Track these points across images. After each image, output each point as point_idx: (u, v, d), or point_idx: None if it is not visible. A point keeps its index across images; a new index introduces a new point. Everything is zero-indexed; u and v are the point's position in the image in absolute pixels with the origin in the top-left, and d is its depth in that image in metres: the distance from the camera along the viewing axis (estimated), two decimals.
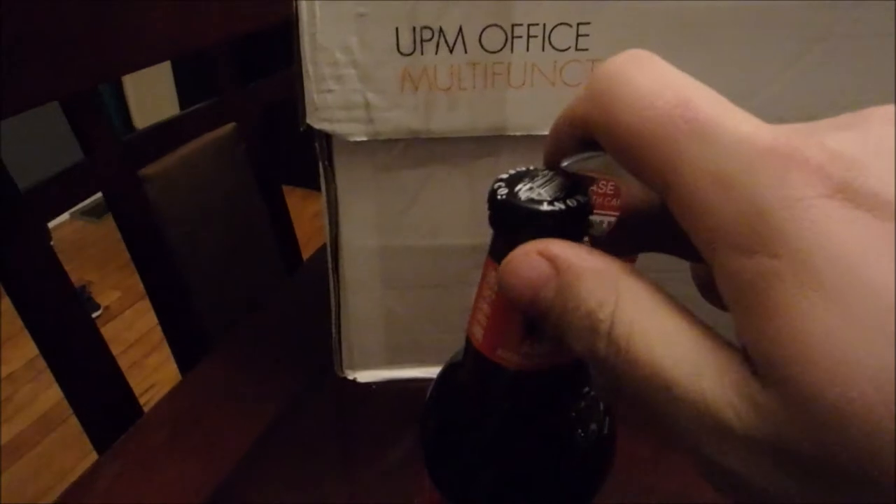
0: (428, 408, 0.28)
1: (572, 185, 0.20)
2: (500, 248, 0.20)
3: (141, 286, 0.71)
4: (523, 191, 0.20)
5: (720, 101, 0.16)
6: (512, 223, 0.20)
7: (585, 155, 0.20)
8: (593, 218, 0.20)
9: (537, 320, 0.19)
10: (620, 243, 0.20)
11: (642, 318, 0.16)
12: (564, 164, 0.20)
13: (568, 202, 0.19)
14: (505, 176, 0.21)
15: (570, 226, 0.20)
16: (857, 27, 0.38)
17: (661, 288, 0.17)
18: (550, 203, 0.19)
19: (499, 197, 0.20)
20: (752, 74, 0.39)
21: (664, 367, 0.15)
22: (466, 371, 0.25)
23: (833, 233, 0.13)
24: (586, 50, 0.38)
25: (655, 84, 0.16)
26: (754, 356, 0.15)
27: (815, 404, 0.13)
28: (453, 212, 0.44)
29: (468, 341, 0.24)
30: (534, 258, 0.18)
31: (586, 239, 0.21)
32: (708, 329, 0.16)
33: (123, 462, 0.47)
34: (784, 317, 0.14)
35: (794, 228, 0.14)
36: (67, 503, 0.44)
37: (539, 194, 0.20)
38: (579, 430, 0.25)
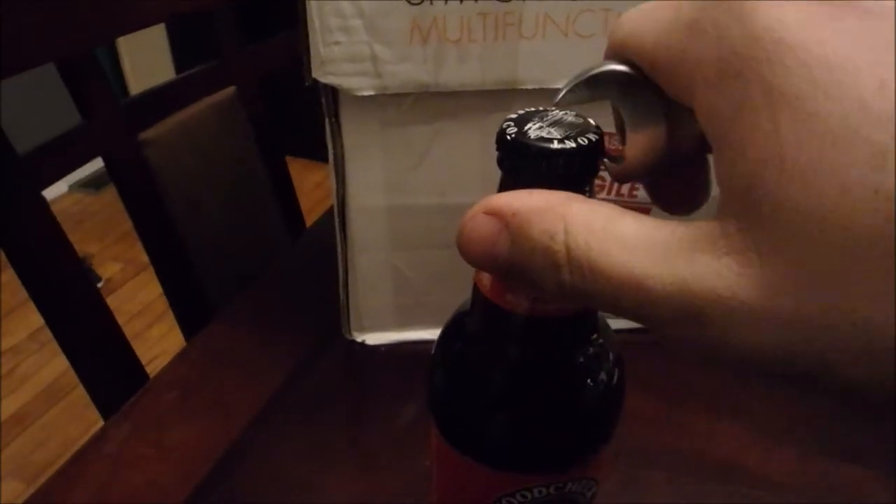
0: (435, 358, 0.27)
1: (583, 125, 0.20)
2: (510, 190, 0.20)
3: (142, 258, 0.71)
4: (533, 130, 0.19)
5: None
6: (522, 163, 0.20)
7: (574, 82, 0.19)
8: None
9: (505, 278, 0.18)
10: (636, 167, 0.20)
11: (596, 235, 0.16)
12: (557, 99, 0.20)
13: (579, 140, 0.19)
14: (514, 116, 0.20)
15: (581, 164, 0.19)
16: None
17: (609, 204, 0.17)
18: (561, 141, 0.19)
19: (508, 137, 0.19)
20: None
21: (633, 271, 0.15)
22: (475, 318, 0.25)
23: (789, 40, 0.13)
24: (600, 0, 0.37)
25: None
26: (732, 192, 0.14)
27: (789, 216, 0.13)
28: (463, 169, 0.44)
29: (476, 289, 0.24)
30: (480, 218, 0.18)
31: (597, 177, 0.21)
32: (665, 221, 0.16)
33: (133, 424, 0.47)
34: (757, 137, 0.14)
35: (752, 45, 0.14)
36: (76, 466, 0.45)
37: (549, 133, 0.19)
38: (587, 377, 0.25)
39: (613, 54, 0.19)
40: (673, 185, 0.21)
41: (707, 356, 0.15)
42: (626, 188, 0.45)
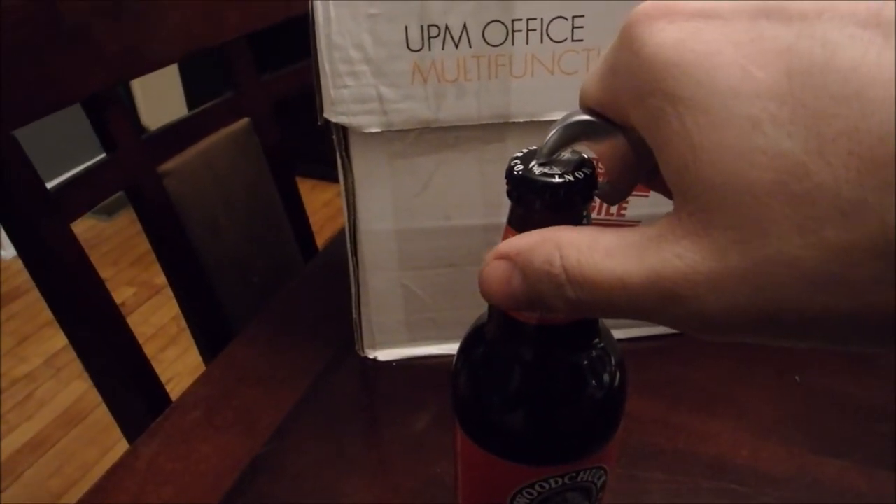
0: (457, 365, 0.30)
1: (579, 160, 0.23)
2: (519, 217, 0.24)
3: (155, 281, 0.74)
4: (537, 166, 0.23)
5: None
6: (529, 195, 0.23)
7: (552, 134, 0.22)
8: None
9: (523, 309, 0.21)
10: (618, 189, 0.24)
11: (584, 253, 0.19)
12: (541, 153, 0.23)
13: (576, 174, 0.22)
14: (520, 154, 0.23)
15: (578, 194, 0.23)
16: None
17: (594, 227, 0.20)
18: (561, 176, 0.22)
19: (515, 172, 0.23)
20: None
21: (615, 273, 0.18)
22: (491, 329, 0.28)
23: (673, 58, 0.17)
24: (581, 41, 0.41)
25: None
26: (674, 186, 0.17)
27: (711, 192, 0.16)
28: (465, 194, 0.47)
29: (491, 304, 0.27)
30: (493, 263, 0.21)
31: (593, 204, 0.24)
32: (639, 227, 0.19)
33: (161, 441, 0.49)
34: (673, 137, 0.17)
35: (650, 70, 0.17)
36: (109, 481, 0.47)
37: (551, 168, 0.23)
38: (593, 375, 0.28)
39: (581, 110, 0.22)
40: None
41: (696, 330, 0.18)
42: (614, 208, 0.48)
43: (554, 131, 0.22)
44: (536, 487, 0.29)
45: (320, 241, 0.96)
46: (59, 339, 1.79)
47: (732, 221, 0.16)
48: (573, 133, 0.22)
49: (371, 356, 0.56)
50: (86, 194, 0.64)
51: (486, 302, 0.22)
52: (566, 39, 0.41)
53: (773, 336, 0.17)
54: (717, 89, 0.16)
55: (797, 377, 0.52)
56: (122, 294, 1.99)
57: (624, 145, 0.22)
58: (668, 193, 0.24)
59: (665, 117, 0.17)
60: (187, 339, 0.79)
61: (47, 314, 0.64)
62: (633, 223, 0.49)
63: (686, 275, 0.17)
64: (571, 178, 0.22)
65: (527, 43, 0.41)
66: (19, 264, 0.61)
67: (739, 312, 0.16)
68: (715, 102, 0.16)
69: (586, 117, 0.22)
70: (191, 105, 2.47)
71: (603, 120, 0.21)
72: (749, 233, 0.16)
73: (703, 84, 0.16)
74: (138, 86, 2.37)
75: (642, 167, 0.22)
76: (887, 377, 0.51)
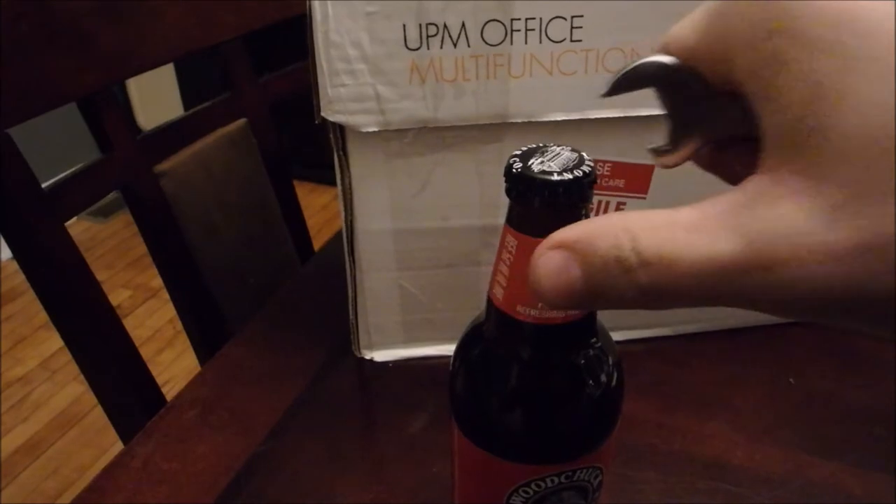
0: (455, 364, 0.31)
1: (577, 159, 0.23)
2: (517, 215, 0.24)
3: (150, 284, 0.73)
4: (535, 164, 0.23)
5: None
6: (527, 192, 0.23)
7: (621, 72, 0.20)
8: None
9: (582, 303, 0.19)
10: (677, 149, 0.22)
11: (660, 231, 0.17)
12: (606, 89, 0.21)
13: (575, 172, 0.22)
14: (518, 152, 0.24)
15: (577, 193, 0.23)
16: None
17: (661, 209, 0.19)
18: (560, 174, 0.22)
19: (514, 170, 0.23)
20: None
21: (701, 249, 0.16)
22: (489, 328, 0.29)
23: None
24: (580, 41, 0.41)
25: None
26: (779, 140, 0.16)
27: (842, 143, 0.14)
28: (462, 195, 0.47)
29: (489, 302, 0.27)
30: (547, 254, 0.19)
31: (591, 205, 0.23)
32: (716, 198, 0.17)
33: (157, 440, 0.49)
34: (798, 82, 0.15)
35: (774, 7, 0.16)
36: (106, 480, 0.47)
37: (549, 166, 0.23)
38: (590, 375, 0.28)
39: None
40: (730, 161, 0.22)
41: (783, 305, 0.16)
42: (613, 207, 0.48)
43: (627, 66, 0.20)
44: (533, 486, 0.29)
45: (317, 244, 0.96)
46: (55, 342, 1.79)
47: (854, 176, 0.14)
48: (647, 73, 0.20)
49: (367, 357, 0.56)
50: (81, 194, 0.64)
51: (539, 300, 0.20)
52: (565, 39, 0.41)
53: (858, 315, 0.15)
54: (859, 31, 0.14)
55: (791, 379, 0.52)
56: (118, 296, 1.99)
57: (700, 99, 0.20)
58: (720, 171, 0.22)
59: (788, 60, 0.15)
60: (184, 342, 0.79)
61: (43, 316, 0.64)
62: None
63: (788, 237, 0.15)
64: (570, 177, 0.22)
65: (525, 43, 0.41)
66: (15, 266, 0.61)
67: (839, 281, 0.15)
68: (856, 45, 0.14)
69: (668, 60, 0.20)
70: (187, 105, 2.47)
71: (687, 67, 0.20)
72: (872, 188, 0.14)
73: (842, 25, 0.15)
74: (134, 85, 2.37)
75: (709, 129, 0.21)
76: (882, 380, 0.51)
